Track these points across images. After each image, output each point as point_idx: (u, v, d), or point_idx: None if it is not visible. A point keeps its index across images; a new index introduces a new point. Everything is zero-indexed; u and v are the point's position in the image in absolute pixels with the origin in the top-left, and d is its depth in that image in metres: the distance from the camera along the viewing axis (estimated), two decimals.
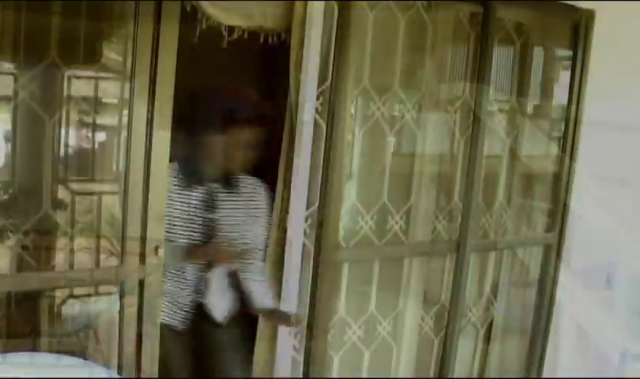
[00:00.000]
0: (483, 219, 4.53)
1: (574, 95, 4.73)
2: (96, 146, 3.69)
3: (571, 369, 5.11)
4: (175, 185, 3.25)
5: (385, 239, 4.09)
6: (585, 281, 5.14)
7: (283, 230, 3.72)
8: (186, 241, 3.26)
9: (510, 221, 4.78)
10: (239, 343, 3.52)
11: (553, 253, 4.89)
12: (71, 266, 3.46)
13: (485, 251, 4.73)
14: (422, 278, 4.46)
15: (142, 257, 3.27)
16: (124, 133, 3.26)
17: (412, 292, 4.43)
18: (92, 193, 3.65)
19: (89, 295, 3.79)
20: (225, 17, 3.39)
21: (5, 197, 3.41)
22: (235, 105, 3.14)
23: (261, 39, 3.61)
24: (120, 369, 3.28)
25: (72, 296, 3.83)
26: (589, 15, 4.62)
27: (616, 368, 5.33)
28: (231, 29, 3.44)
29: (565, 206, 4.85)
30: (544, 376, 5.06)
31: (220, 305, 3.41)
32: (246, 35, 3.49)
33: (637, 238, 5.34)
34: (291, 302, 3.71)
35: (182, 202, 3.21)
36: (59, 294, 3.77)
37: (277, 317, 3.57)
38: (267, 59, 4.18)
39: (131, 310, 3.28)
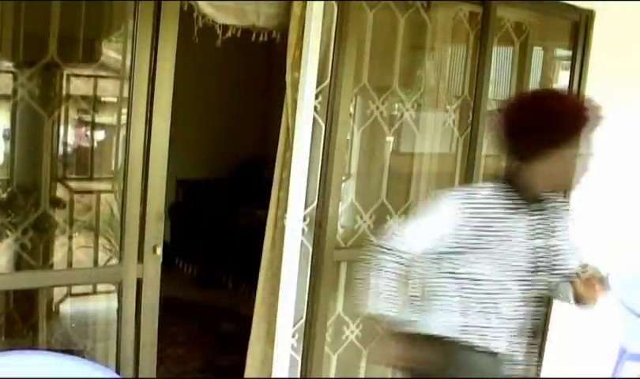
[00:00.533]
0: None
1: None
2: (95, 144, 3.70)
3: (569, 369, 5.11)
4: (495, 209, 2.73)
5: None
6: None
7: (280, 229, 3.73)
8: (509, 272, 2.76)
9: None
10: None
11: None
12: (70, 265, 3.47)
13: None
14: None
15: (141, 256, 3.26)
16: (123, 132, 3.26)
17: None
18: (90, 192, 3.66)
19: (88, 294, 3.80)
20: (220, 16, 3.40)
21: (4, 195, 3.41)
22: (586, 117, 2.71)
23: (253, 38, 3.62)
24: (118, 367, 3.29)
25: (70, 294, 3.83)
26: (589, 15, 4.62)
27: (614, 368, 5.33)
28: (225, 28, 3.45)
29: None
30: (542, 376, 5.06)
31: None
32: (239, 34, 3.50)
33: (635, 238, 5.35)
34: (289, 302, 3.72)
35: (506, 229, 2.72)
36: (58, 292, 3.78)
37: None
38: (263, 57, 4.17)
39: (129, 309, 3.28)
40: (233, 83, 7.07)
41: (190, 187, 7.44)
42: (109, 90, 3.52)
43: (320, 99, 3.62)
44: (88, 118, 3.58)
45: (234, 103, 7.22)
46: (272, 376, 3.78)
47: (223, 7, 3.39)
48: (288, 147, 3.66)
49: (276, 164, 3.73)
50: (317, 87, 3.60)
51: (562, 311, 4.95)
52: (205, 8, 3.34)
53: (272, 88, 4.02)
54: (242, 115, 7.26)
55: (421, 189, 4.32)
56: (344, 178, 3.90)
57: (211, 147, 7.28)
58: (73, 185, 3.64)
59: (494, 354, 2.85)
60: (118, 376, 3.18)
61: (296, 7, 3.52)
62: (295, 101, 3.59)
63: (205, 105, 7.05)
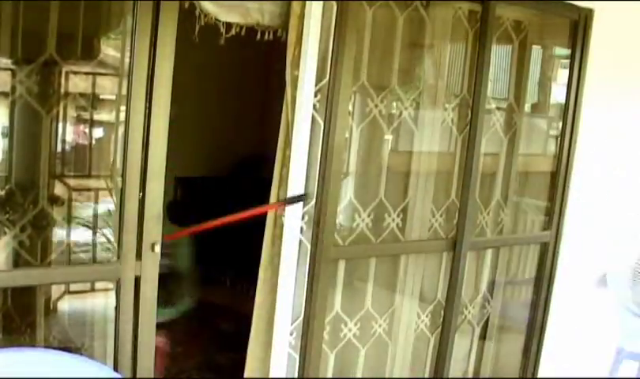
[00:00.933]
0: (479, 216, 4.54)
1: (572, 94, 4.73)
2: (93, 142, 3.69)
3: (566, 367, 5.12)
4: None
5: (381, 237, 4.09)
6: (580, 279, 5.15)
7: (279, 227, 3.73)
8: None
9: (507, 219, 4.78)
10: None
11: (550, 251, 4.89)
12: (68, 262, 3.46)
13: (482, 249, 4.73)
14: (418, 276, 4.46)
15: (139, 254, 3.26)
16: (121, 129, 3.25)
17: (408, 290, 4.43)
18: (89, 189, 3.66)
19: (86, 291, 3.80)
20: (223, 14, 3.39)
21: (2, 192, 3.41)
22: None
23: (258, 36, 3.61)
24: (116, 365, 3.28)
25: (68, 292, 3.83)
26: (588, 13, 4.62)
27: (611, 366, 5.34)
28: (228, 26, 3.44)
29: (562, 204, 4.85)
30: (540, 374, 5.07)
31: None
32: (243, 32, 3.49)
33: (632, 236, 5.35)
34: (287, 300, 3.72)
35: None
36: (56, 289, 3.78)
37: None
38: (264, 56, 4.16)
39: (128, 307, 3.27)
40: (232, 80, 7.06)
41: (189, 185, 7.42)
42: (108, 87, 3.53)
43: (319, 97, 3.62)
44: (86, 115, 3.58)
45: (233, 101, 7.21)
46: (270, 374, 3.77)
47: (226, 5, 3.38)
48: (288, 145, 3.66)
49: (276, 162, 3.72)
50: (316, 85, 3.60)
51: (559, 310, 4.97)
52: (208, 6, 3.33)
53: (272, 86, 4.01)
54: (241, 113, 7.26)
55: (419, 187, 4.32)
56: (342, 176, 3.89)
57: (210, 145, 7.27)
58: (72, 182, 3.64)
59: None
60: (115, 374, 3.18)
61: (296, 6, 3.51)
62: (294, 99, 3.59)
63: (204, 102, 7.04)
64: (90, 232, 3.57)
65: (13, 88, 3.09)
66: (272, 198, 3.74)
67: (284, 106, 3.64)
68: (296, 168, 3.64)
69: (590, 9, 4.59)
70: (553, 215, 4.85)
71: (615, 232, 5.22)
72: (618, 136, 5.06)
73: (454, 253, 4.36)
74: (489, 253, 4.84)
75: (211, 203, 7.14)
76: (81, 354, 3.49)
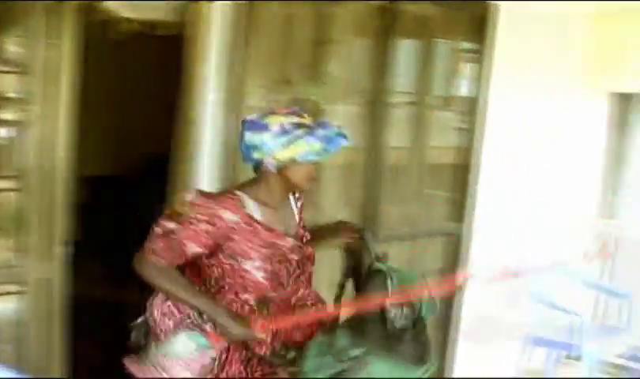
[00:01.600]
0: (388, 209, 4.56)
1: (480, 87, 4.81)
2: None
3: (480, 358, 5.19)
4: None
5: None
6: (490, 271, 5.23)
7: None
8: None
9: (416, 212, 4.82)
10: None
11: (458, 244, 4.95)
12: None
13: (390, 241, 4.76)
14: None
15: (47, 255, 3.20)
16: (26, 129, 3.20)
17: None
18: None
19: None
20: (118, 9, 3.35)
21: None
22: None
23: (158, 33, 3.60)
24: (25, 370, 3.22)
25: None
26: (494, 9, 4.70)
27: (522, 354, 5.44)
28: (129, 21, 3.42)
29: (471, 197, 4.92)
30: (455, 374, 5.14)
31: None
32: (137, 28, 3.47)
33: (545, 228, 5.46)
34: None
35: None
36: None
37: None
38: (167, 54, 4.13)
39: (35, 310, 3.22)
40: (144, 77, 6.96)
41: (98, 184, 7.27)
42: (12, 86, 3.45)
43: (222, 94, 3.62)
44: None
45: (144, 99, 7.10)
46: None
47: (129, 4, 3.36)
48: (190, 142, 3.65)
49: (175, 159, 3.71)
50: (219, 82, 3.60)
51: (468, 304, 5.04)
52: (109, 4, 3.30)
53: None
54: (151, 111, 7.15)
55: (326, 181, 4.31)
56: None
57: (119, 142, 7.18)
58: None
59: None
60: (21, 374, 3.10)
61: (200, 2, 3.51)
62: (197, 96, 3.58)
63: (113, 100, 6.94)
64: None
65: None
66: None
67: (184, 104, 3.63)
68: (202, 164, 3.64)
69: (496, 4, 4.68)
70: (463, 208, 4.92)
71: (525, 225, 5.31)
72: (525, 129, 5.16)
73: None
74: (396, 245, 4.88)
75: (121, 204, 7.04)
76: None
